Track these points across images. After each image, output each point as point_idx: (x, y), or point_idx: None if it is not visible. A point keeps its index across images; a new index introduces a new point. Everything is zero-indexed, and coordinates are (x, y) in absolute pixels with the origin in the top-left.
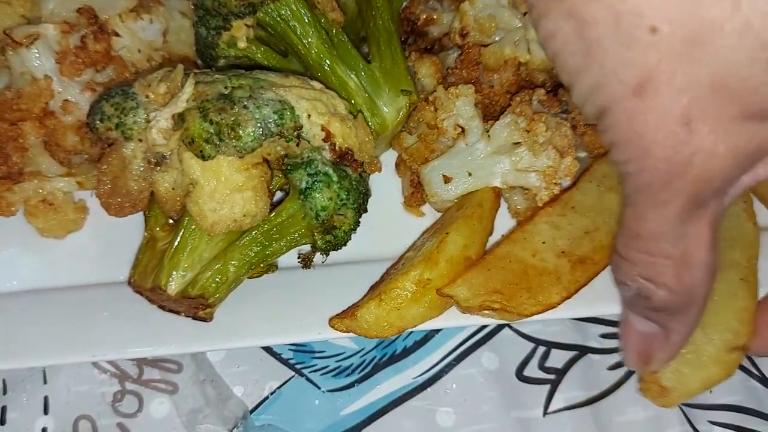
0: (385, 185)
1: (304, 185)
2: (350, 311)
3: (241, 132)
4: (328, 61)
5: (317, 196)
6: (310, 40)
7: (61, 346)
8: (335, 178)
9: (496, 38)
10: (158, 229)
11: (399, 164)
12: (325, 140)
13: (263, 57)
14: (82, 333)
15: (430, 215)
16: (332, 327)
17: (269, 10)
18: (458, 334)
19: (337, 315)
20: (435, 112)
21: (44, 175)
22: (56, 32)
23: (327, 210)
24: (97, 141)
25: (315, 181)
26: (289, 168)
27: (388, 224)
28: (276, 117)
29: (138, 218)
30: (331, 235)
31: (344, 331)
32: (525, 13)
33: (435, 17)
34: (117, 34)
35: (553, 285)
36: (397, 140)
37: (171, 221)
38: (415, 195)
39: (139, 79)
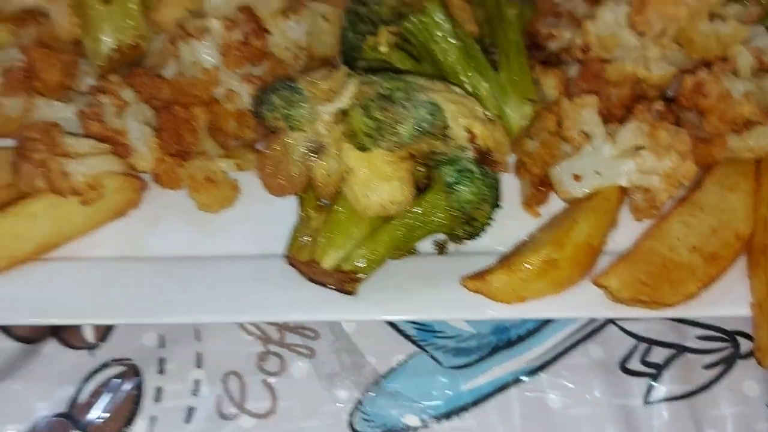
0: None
1: (451, 180)
2: (482, 275)
3: (399, 129)
4: (463, 69)
5: (463, 189)
6: (448, 49)
7: (214, 307)
8: (479, 175)
9: (615, 55)
10: (311, 209)
11: (519, 167)
12: (469, 140)
13: (399, 61)
14: (233, 296)
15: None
16: (463, 285)
17: (415, 21)
18: (568, 327)
19: (470, 276)
20: (558, 120)
21: (208, 155)
22: (221, 27)
23: (471, 203)
24: (256, 128)
25: (462, 176)
26: (436, 163)
27: (503, 220)
28: (430, 117)
29: (276, 200)
30: (471, 226)
31: (473, 291)
32: (641, 33)
33: (555, 33)
34: (268, 32)
35: (689, 277)
36: (518, 144)
37: (322, 203)
38: (536, 196)
39: (302, 75)
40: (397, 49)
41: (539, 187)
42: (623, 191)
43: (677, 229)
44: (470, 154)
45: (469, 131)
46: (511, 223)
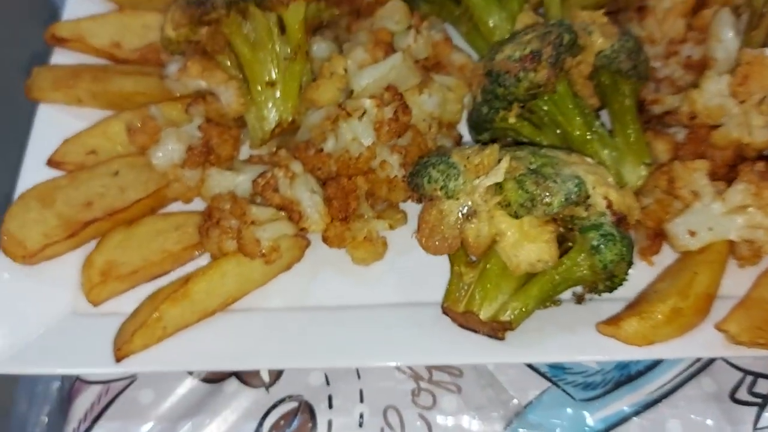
0: None
1: (596, 243)
2: (615, 321)
3: (551, 201)
4: (587, 138)
5: (607, 252)
6: (575, 122)
7: (375, 352)
8: (619, 238)
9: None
10: (463, 266)
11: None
12: (607, 207)
13: (524, 129)
14: (391, 342)
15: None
16: (599, 331)
17: (547, 99)
18: (681, 363)
19: (604, 322)
20: (670, 181)
21: (365, 217)
22: (373, 106)
23: (613, 262)
24: (408, 195)
25: (605, 239)
26: (582, 229)
27: None
28: (576, 189)
29: (414, 253)
30: (611, 281)
31: (607, 335)
32: (742, 101)
33: (659, 98)
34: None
35: None
36: None
37: (471, 260)
38: (651, 247)
39: (455, 150)
40: (521, 119)
41: (654, 238)
42: (731, 243)
43: None
44: (609, 218)
45: (607, 198)
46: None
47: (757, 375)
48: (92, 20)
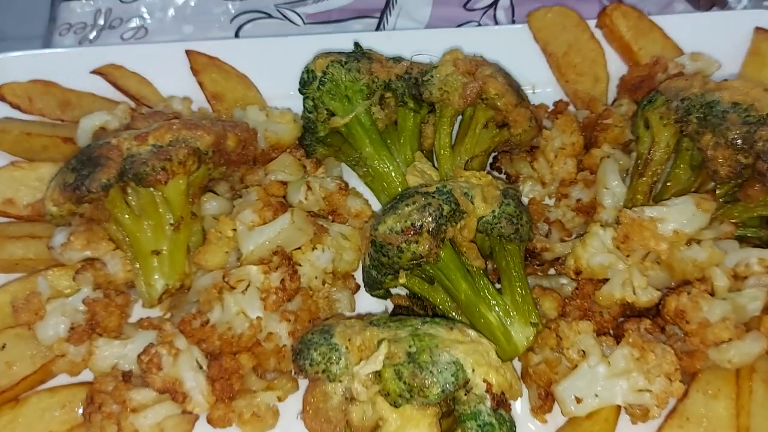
0: None
1: None
2: None
3: (428, 393)
4: (473, 302)
5: None
6: (460, 286)
7: None
8: (497, 427)
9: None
10: None
11: (525, 377)
12: (486, 391)
13: (415, 287)
14: None
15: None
16: None
17: (432, 266)
18: None
19: None
20: (558, 339)
21: (252, 391)
22: (259, 274)
23: None
24: (296, 369)
25: (483, 431)
26: (461, 418)
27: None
28: (453, 379)
29: None
30: None
31: None
32: (628, 255)
33: (548, 246)
34: (299, 265)
35: None
36: (524, 358)
37: None
38: (543, 406)
39: (338, 328)
40: (412, 276)
41: (545, 398)
42: (619, 408)
43: None
44: (488, 403)
45: (486, 381)
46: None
47: None
48: None
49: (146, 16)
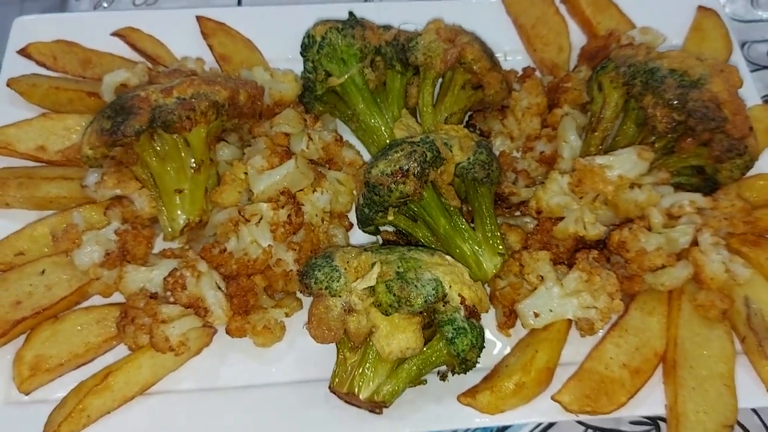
0: None
1: (450, 336)
2: (471, 393)
3: (413, 303)
4: (450, 235)
5: (459, 343)
6: (439, 221)
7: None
8: (469, 330)
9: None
10: (347, 351)
11: (493, 299)
12: (461, 303)
13: (401, 223)
14: (287, 418)
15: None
16: (459, 401)
17: (416, 204)
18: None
19: (463, 394)
20: (521, 267)
21: (264, 308)
22: (269, 210)
23: (465, 351)
24: (298, 283)
25: (458, 333)
26: (440, 323)
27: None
28: (434, 292)
29: None
30: (465, 365)
31: (466, 404)
32: (581, 198)
33: (515, 191)
34: (302, 204)
35: (620, 389)
36: (492, 282)
37: (354, 346)
38: (508, 322)
39: (337, 253)
40: (399, 215)
41: (509, 315)
42: (570, 322)
43: (610, 350)
44: (462, 312)
45: (461, 295)
46: (490, 342)
47: (597, 429)
48: (17, 127)
49: None
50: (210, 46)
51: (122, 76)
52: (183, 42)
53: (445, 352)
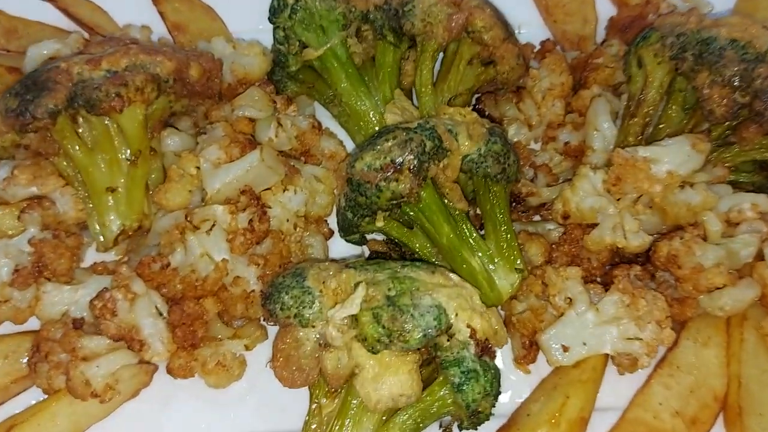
0: None
1: (457, 381)
2: None
3: (408, 337)
4: (456, 247)
5: (469, 391)
6: (441, 229)
7: None
8: (482, 374)
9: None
10: (322, 397)
11: (508, 325)
12: (470, 336)
13: (393, 231)
14: None
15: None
16: None
17: (412, 207)
18: None
19: None
20: (544, 286)
21: (217, 339)
22: (226, 214)
23: (477, 401)
24: (261, 307)
25: (467, 377)
26: (443, 364)
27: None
28: (435, 323)
29: None
30: (476, 417)
31: None
32: (619, 199)
33: (534, 191)
34: (269, 206)
35: None
36: (508, 306)
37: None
38: (527, 356)
39: (311, 270)
40: (391, 220)
41: (529, 347)
42: (607, 357)
43: (658, 393)
44: (472, 349)
45: (470, 326)
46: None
47: None
48: None
49: None
50: (161, 14)
51: (51, 47)
52: (129, 8)
53: (449, 401)
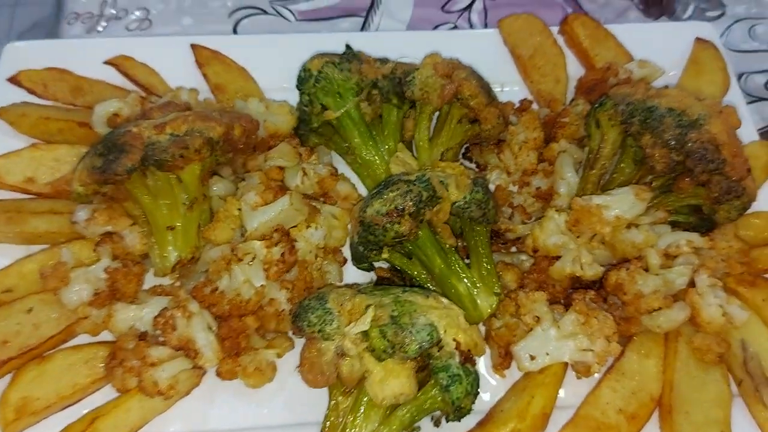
0: None
1: (445, 383)
2: None
3: (407, 349)
4: (446, 274)
5: (454, 391)
6: (435, 261)
7: None
8: (465, 377)
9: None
10: (339, 395)
11: (488, 339)
12: (456, 348)
13: (396, 261)
14: None
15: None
16: None
17: (411, 243)
18: None
19: None
20: (517, 307)
21: (255, 349)
22: (262, 248)
23: (460, 399)
24: (294, 330)
25: (453, 381)
26: (434, 370)
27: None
28: (428, 338)
29: None
30: (460, 412)
31: None
32: (578, 237)
33: (511, 228)
34: (296, 241)
35: None
36: (488, 322)
37: (347, 390)
38: (503, 364)
39: (331, 295)
40: (393, 252)
41: (504, 356)
42: (566, 365)
43: (606, 394)
44: (457, 358)
45: (455, 340)
46: (485, 383)
47: None
48: (5, 158)
49: (149, 7)
50: (205, 76)
51: (114, 105)
52: (177, 70)
53: (439, 399)
